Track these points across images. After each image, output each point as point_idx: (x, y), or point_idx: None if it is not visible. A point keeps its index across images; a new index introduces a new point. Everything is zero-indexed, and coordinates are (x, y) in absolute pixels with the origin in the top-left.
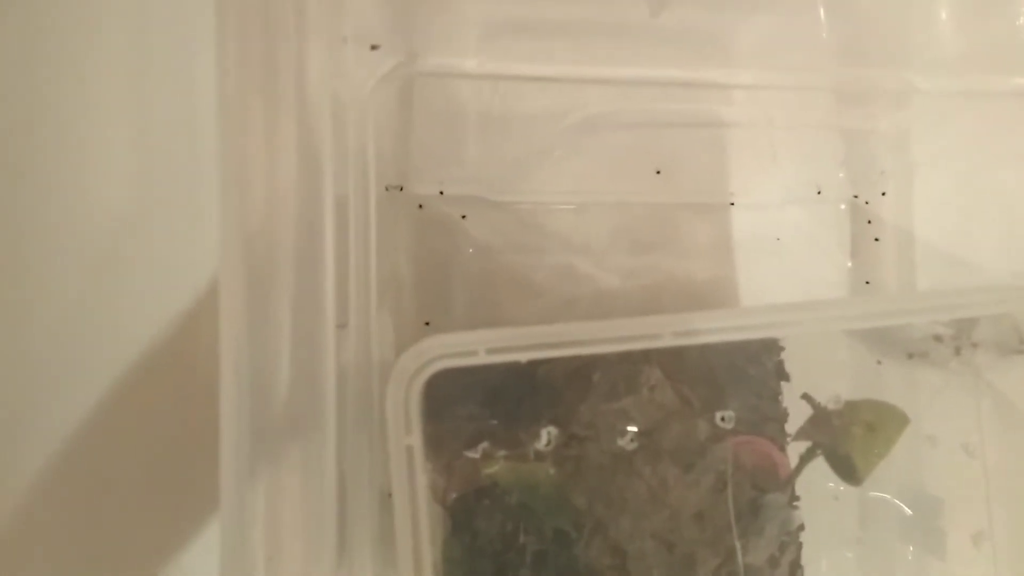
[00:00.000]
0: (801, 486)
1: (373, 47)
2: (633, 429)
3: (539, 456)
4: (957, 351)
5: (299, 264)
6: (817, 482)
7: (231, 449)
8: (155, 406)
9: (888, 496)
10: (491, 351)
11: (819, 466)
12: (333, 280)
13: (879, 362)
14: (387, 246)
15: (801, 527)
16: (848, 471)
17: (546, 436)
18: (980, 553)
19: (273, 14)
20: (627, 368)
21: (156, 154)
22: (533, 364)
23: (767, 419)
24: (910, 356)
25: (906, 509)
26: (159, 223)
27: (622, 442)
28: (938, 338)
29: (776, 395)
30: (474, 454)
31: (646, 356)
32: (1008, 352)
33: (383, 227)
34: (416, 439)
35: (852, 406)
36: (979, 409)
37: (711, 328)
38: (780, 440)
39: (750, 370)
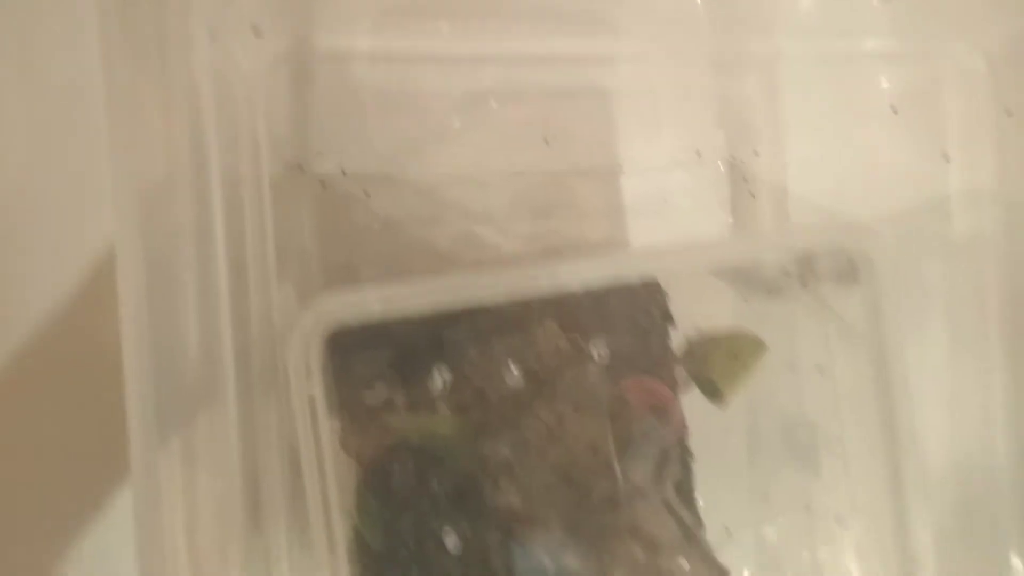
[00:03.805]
0: (694, 422)
1: (256, 32)
2: (521, 372)
3: (438, 402)
4: (804, 283)
5: (194, 239)
6: (709, 417)
7: (139, 423)
8: (57, 383)
9: (769, 422)
10: (385, 305)
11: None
12: (226, 254)
13: (746, 301)
14: (290, 224)
15: (689, 453)
16: (714, 393)
17: (440, 381)
18: (834, 458)
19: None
20: (525, 322)
21: (48, 131)
22: (437, 323)
23: (657, 362)
24: (769, 292)
25: (784, 433)
26: (52, 202)
27: (514, 384)
28: (787, 273)
29: (665, 339)
30: (374, 402)
31: (543, 311)
32: (846, 282)
33: (285, 206)
34: (318, 389)
35: (713, 337)
36: (827, 334)
37: (583, 270)
38: (669, 379)
39: (640, 318)
